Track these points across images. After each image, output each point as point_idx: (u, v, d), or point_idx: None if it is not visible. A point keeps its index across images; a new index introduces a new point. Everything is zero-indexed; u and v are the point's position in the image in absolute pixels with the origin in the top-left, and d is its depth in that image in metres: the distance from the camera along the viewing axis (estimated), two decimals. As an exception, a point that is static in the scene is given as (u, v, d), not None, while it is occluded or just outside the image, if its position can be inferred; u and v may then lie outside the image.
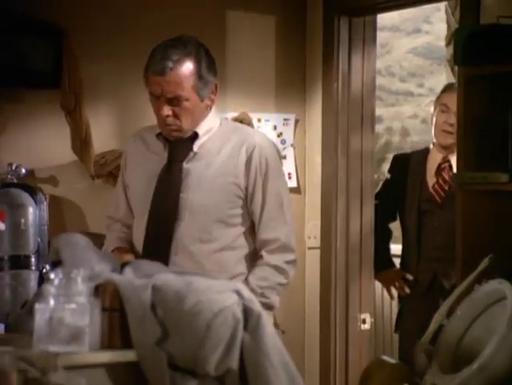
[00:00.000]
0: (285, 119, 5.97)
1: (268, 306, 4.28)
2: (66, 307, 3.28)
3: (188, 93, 4.22)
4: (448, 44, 7.64)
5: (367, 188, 6.01)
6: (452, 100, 5.52)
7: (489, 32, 4.42)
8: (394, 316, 7.27)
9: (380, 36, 10.43)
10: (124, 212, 4.45)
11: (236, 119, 5.82)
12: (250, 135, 4.43)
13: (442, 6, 7.62)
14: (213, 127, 4.36)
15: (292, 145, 5.97)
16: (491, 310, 4.14)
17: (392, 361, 4.24)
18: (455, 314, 4.19)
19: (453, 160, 5.59)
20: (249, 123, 5.84)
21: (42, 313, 3.30)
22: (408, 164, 6.23)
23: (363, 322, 5.87)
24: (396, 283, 6.13)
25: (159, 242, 4.18)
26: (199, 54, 4.30)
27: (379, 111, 11.02)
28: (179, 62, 4.22)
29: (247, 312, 3.36)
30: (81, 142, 5.46)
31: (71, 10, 5.32)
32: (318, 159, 5.96)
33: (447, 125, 5.80)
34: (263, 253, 4.35)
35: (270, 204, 4.35)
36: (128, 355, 3.32)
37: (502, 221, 4.47)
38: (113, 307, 3.36)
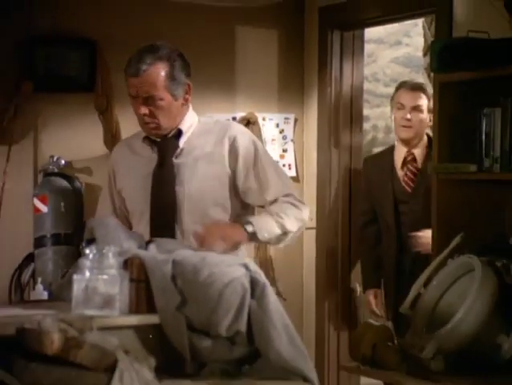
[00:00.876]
0: (286, 118, 5.96)
1: (283, 228, 4.11)
2: (99, 278, 3.29)
3: (161, 93, 4.10)
4: (425, 54, 7.61)
5: (356, 177, 5.99)
6: (405, 98, 5.57)
7: (460, 44, 4.40)
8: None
9: (367, 48, 10.36)
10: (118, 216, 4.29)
11: (244, 118, 5.81)
12: (230, 127, 4.34)
13: (420, 22, 7.59)
14: (192, 123, 4.25)
15: (292, 140, 5.96)
16: (462, 280, 4.15)
17: (378, 324, 4.24)
18: (431, 283, 4.20)
19: (416, 152, 5.60)
20: (256, 121, 5.83)
21: (79, 283, 3.31)
22: (376, 163, 5.93)
23: (354, 290, 5.86)
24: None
25: (163, 234, 4.03)
26: (171, 58, 4.15)
27: (366, 112, 10.95)
28: (152, 65, 4.09)
29: (254, 282, 3.37)
30: (112, 137, 5.46)
31: (102, 24, 5.33)
32: (314, 152, 5.96)
33: (404, 120, 5.56)
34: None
35: (267, 174, 4.21)
36: (153, 319, 3.34)
37: (472, 206, 4.47)
38: (139, 278, 3.37)
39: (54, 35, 5.36)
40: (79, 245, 3.67)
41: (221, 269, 3.35)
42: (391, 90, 11.33)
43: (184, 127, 4.23)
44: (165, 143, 4.22)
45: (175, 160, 4.15)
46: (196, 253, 3.49)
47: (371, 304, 5.76)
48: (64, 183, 5.28)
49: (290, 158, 5.94)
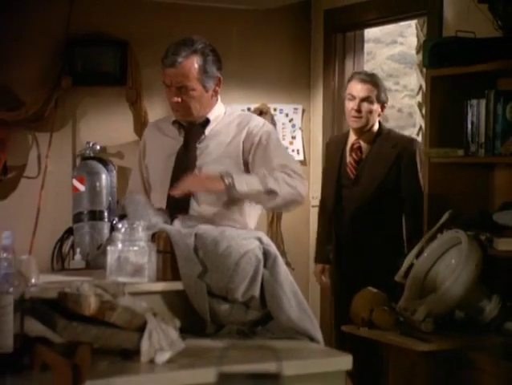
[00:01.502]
0: (295, 109, 5.97)
1: (265, 185, 3.82)
2: (130, 249, 3.32)
3: (194, 84, 3.96)
4: (417, 52, 7.57)
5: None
6: (354, 89, 5.14)
7: (449, 43, 4.39)
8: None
9: (366, 46, 10.35)
10: (141, 191, 4.14)
11: (258, 109, 5.82)
12: (251, 119, 4.20)
13: (413, 23, 7.55)
14: (219, 114, 4.11)
15: (300, 128, 5.97)
16: (450, 252, 4.17)
17: (375, 290, 4.25)
18: (422, 255, 4.21)
19: (363, 140, 5.22)
20: (268, 111, 5.84)
21: (112, 253, 3.34)
22: (334, 145, 5.48)
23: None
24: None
25: (178, 208, 3.87)
26: (205, 52, 4.01)
27: (366, 103, 11.05)
28: (187, 58, 3.95)
29: (266, 254, 3.39)
30: (141, 125, 5.46)
31: (133, 27, 5.34)
32: (319, 139, 5.96)
33: (354, 111, 5.10)
34: None
35: (272, 153, 4.02)
36: (177, 285, 3.36)
37: (459, 186, 4.47)
38: (166, 250, 3.40)
39: (90, 36, 5.37)
40: (113, 221, 3.68)
41: (237, 242, 3.37)
42: (387, 84, 11.41)
43: (211, 116, 4.11)
44: (192, 129, 4.11)
45: (198, 145, 4.05)
46: (216, 228, 3.50)
47: (319, 278, 5.52)
48: (99, 166, 5.30)
49: (298, 144, 5.95)
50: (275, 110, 5.87)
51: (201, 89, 4.01)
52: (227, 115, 4.18)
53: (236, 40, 5.68)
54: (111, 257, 3.34)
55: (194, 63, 3.99)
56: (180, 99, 3.98)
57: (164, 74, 4.06)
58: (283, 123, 5.91)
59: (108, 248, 3.37)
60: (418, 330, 3.96)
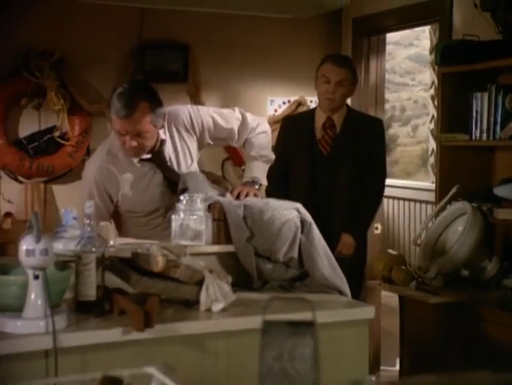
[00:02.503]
0: (327, 101, 5.92)
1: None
2: (190, 218, 3.32)
3: (147, 127, 3.59)
4: (430, 53, 7.51)
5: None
6: (330, 72, 4.58)
7: (457, 44, 4.37)
8: (396, 225, 7.25)
9: (387, 48, 10.31)
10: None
11: (296, 100, 5.79)
12: (177, 114, 3.89)
13: (427, 28, 7.49)
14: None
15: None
16: (457, 220, 4.15)
17: (394, 252, 4.24)
18: (433, 223, 4.18)
19: (335, 118, 4.65)
20: (305, 103, 5.81)
21: (176, 221, 3.35)
22: (296, 123, 4.90)
23: (376, 228, 5.81)
24: None
25: None
26: (150, 96, 3.66)
27: (387, 96, 10.99)
28: (137, 108, 3.54)
29: (303, 222, 3.39)
30: (200, 115, 5.47)
31: (193, 33, 5.31)
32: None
33: (328, 94, 4.56)
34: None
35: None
36: (229, 248, 3.37)
37: (465, 165, 4.44)
38: (219, 218, 3.40)
39: (158, 41, 5.37)
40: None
41: (279, 212, 3.37)
42: (405, 80, 11.39)
43: (163, 136, 3.78)
44: (158, 157, 3.78)
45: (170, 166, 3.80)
46: (261, 200, 3.51)
47: None
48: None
49: (330, 130, 5.92)
50: (311, 101, 5.83)
51: (153, 128, 3.66)
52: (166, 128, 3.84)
53: (278, 44, 5.65)
54: (174, 224, 3.35)
55: (145, 111, 3.58)
56: (136, 143, 3.61)
57: (117, 123, 3.60)
58: (318, 113, 5.88)
59: (172, 216, 3.38)
60: (430, 286, 3.95)
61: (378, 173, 4.75)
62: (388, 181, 7.31)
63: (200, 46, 5.45)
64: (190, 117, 3.89)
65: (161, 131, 3.77)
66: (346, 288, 3.34)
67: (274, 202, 3.45)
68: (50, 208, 5.19)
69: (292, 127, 4.88)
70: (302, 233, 3.35)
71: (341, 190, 4.63)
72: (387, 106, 11.02)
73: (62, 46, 5.14)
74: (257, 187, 3.87)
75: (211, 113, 3.96)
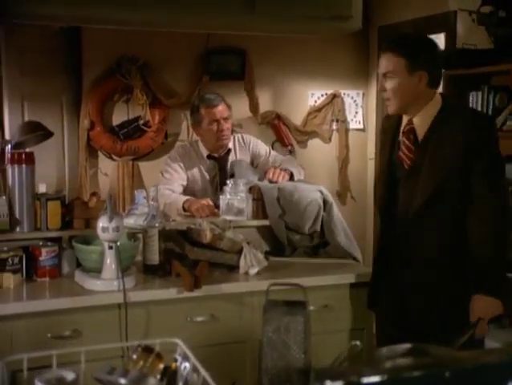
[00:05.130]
0: (357, 93, 5.81)
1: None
2: (234, 198, 3.31)
3: (228, 115, 4.00)
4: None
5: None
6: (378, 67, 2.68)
7: (458, 52, 4.28)
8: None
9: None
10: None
11: (332, 93, 5.69)
12: (246, 137, 4.18)
13: (442, 35, 7.27)
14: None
15: (361, 106, 5.82)
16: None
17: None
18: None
19: (416, 121, 2.61)
20: (339, 95, 5.71)
21: (223, 200, 3.35)
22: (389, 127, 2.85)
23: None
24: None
25: None
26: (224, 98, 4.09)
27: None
28: (222, 100, 4.02)
29: (325, 202, 3.37)
30: (253, 106, 5.43)
31: (249, 40, 5.24)
32: (374, 113, 5.81)
33: (381, 93, 2.74)
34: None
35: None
36: (265, 222, 3.36)
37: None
38: (258, 198, 3.39)
39: (221, 47, 5.32)
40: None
41: (306, 193, 3.34)
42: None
43: (230, 146, 4.03)
44: (223, 158, 3.97)
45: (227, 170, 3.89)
46: (291, 183, 3.48)
47: None
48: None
49: (359, 117, 5.80)
50: (344, 94, 5.74)
51: (230, 120, 4.04)
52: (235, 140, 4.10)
53: (316, 46, 5.51)
54: (222, 203, 3.36)
55: (225, 104, 4.01)
56: (227, 126, 3.95)
57: (210, 113, 3.94)
58: (349, 103, 5.77)
59: (220, 196, 3.38)
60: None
61: (484, 197, 2.53)
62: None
63: (254, 50, 5.38)
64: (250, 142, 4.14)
65: (230, 143, 4.01)
66: (358, 254, 3.32)
67: (301, 185, 3.43)
68: (136, 180, 5.25)
69: (385, 129, 2.91)
70: (324, 210, 3.33)
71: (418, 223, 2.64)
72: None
73: (146, 53, 5.14)
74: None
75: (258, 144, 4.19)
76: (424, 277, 2.60)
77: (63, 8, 2.69)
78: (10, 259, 2.79)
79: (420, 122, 2.62)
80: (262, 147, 4.14)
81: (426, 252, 2.60)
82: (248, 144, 4.07)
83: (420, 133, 2.63)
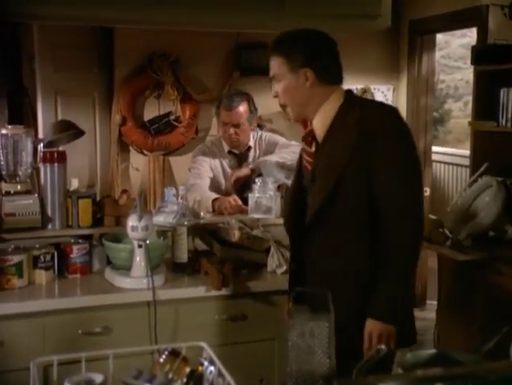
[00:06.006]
0: (387, 88, 5.78)
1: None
2: (263, 196, 3.31)
3: (243, 121, 3.86)
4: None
5: (429, 123, 5.76)
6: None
7: (489, 47, 4.20)
8: (445, 190, 7.07)
9: (444, 38, 9.98)
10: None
11: (362, 88, 5.65)
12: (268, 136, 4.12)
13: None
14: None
15: (391, 101, 5.77)
16: (485, 191, 4.00)
17: (434, 217, 4.13)
18: (465, 193, 4.05)
19: (314, 123, 2.30)
20: (369, 90, 5.68)
21: (252, 198, 3.35)
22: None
23: (425, 191, 5.68)
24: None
25: None
26: (249, 99, 3.95)
27: (443, 77, 10.70)
28: (240, 103, 3.87)
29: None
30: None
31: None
32: (404, 108, 5.76)
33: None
34: None
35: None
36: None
37: (493, 147, 4.26)
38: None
39: (250, 44, 5.31)
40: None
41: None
42: (458, 64, 11.06)
43: (251, 144, 3.99)
44: (243, 155, 3.97)
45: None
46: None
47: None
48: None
49: (389, 112, 5.79)
50: (374, 89, 5.71)
51: (248, 125, 3.91)
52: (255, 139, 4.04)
53: (347, 41, 5.44)
54: (251, 201, 3.36)
55: (244, 108, 3.88)
56: (234, 132, 3.87)
57: (224, 115, 3.88)
58: (380, 98, 5.73)
59: (249, 195, 3.38)
60: (461, 246, 3.84)
61: (390, 215, 2.19)
62: (439, 149, 7.18)
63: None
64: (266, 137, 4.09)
65: (251, 141, 3.97)
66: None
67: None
68: (167, 174, 5.28)
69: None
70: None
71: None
72: (442, 85, 10.74)
73: (177, 49, 5.17)
74: None
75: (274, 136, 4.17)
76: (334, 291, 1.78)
77: (93, 10, 2.71)
78: (42, 256, 2.82)
79: (320, 123, 2.29)
80: (279, 139, 4.11)
81: (330, 261, 2.28)
82: (264, 140, 4.05)
83: (320, 135, 2.30)
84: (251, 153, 3.98)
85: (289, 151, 3.80)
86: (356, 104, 2.28)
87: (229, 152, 3.99)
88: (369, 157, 2.17)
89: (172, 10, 2.80)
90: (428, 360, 1.62)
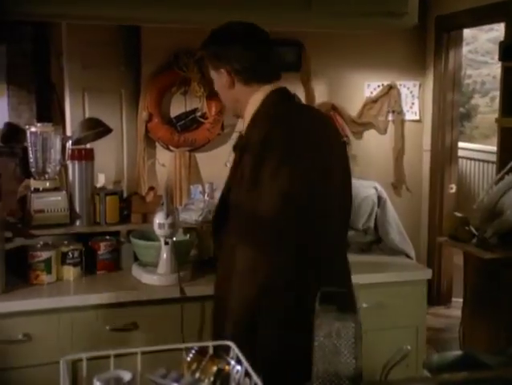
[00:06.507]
0: (414, 84, 5.75)
1: None
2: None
3: None
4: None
5: (456, 119, 5.71)
6: None
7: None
8: (471, 187, 7.01)
9: (471, 32, 9.89)
10: None
11: (388, 84, 5.63)
12: None
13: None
14: None
15: (417, 97, 5.75)
16: (512, 189, 3.96)
17: (460, 214, 4.11)
18: (491, 190, 4.02)
19: (243, 126, 2.28)
20: (395, 86, 5.65)
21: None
22: None
23: (451, 188, 5.65)
24: None
25: None
26: None
27: (470, 72, 10.60)
28: None
29: (379, 198, 3.33)
30: (309, 97, 5.41)
31: (305, 34, 5.20)
32: (430, 104, 5.73)
33: None
34: None
35: None
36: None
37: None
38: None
39: (278, 39, 5.29)
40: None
41: (360, 190, 3.31)
42: (485, 58, 10.95)
43: None
44: None
45: None
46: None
47: None
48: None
49: (415, 108, 5.73)
50: (400, 85, 5.68)
51: None
52: None
53: (373, 38, 5.46)
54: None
55: None
56: None
57: None
58: (406, 94, 5.71)
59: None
60: (487, 244, 3.82)
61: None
62: (466, 145, 7.12)
63: (310, 42, 5.35)
64: None
65: None
66: (411, 252, 3.28)
67: (356, 182, 3.39)
68: (193, 170, 5.30)
69: None
70: (378, 207, 3.30)
71: None
72: (469, 80, 10.63)
73: (202, 45, 5.18)
74: None
75: None
76: None
77: (122, 10, 2.74)
78: (70, 253, 2.85)
79: (244, 124, 2.20)
80: None
81: None
82: None
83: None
84: None
85: None
86: (271, 106, 2.12)
87: None
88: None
89: (199, 10, 2.81)
90: (455, 362, 1.61)
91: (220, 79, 2.17)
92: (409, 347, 1.72)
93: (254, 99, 2.12)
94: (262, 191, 1.94)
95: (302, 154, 2.02)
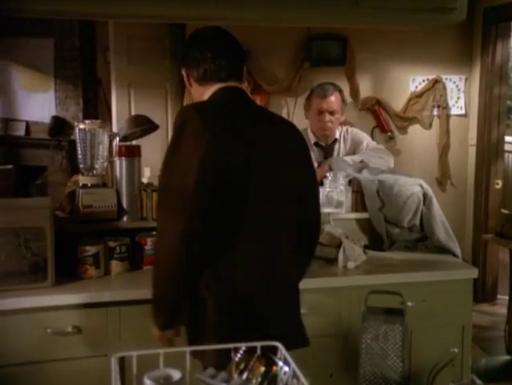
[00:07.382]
0: (460, 78, 5.66)
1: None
2: (334, 190, 3.30)
3: (337, 109, 4.03)
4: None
5: (503, 113, 5.61)
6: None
7: None
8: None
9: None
10: None
11: (434, 79, 5.55)
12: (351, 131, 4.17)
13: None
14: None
15: (463, 92, 5.66)
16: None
17: (506, 211, 4.05)
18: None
19: None
20: (441, 81, 5.57)
21: (322, 193, 3.34)
22: None
23: (497, 184, 5.56)
24: None
25: None
26: (341, 91, 4.12)
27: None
28: (334, 93, 4.04)
29: (425, 195, 3.31)
30: (354, 92, 5.38)
31: (352, 30, 5.16)
32: (476, 99, 5.64)
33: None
34: None
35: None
36: (364, 215, 3.34)
37: None
38: (357, 190, 3.37)
39: (322, 34, 5.29)
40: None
41: (406, 187, 3.29)
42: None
43: (337, 136, 4.09)
44: (329, 148, 4.06)
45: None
46: (391, 176, 3.43)
47: None
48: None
49: (461, 102, 5.65)
50: (446, 79, 5.60)
51: (339, 113, 4.06)
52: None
53: (418, 31, 5.40)
54: (322, 195, 3.35)
55: (337, 97, 4.05)
56: (329, 119, 4.00)
57: (318, 103, 4.01)
58: (451, 88, 5.63)
59: (320, 189, 3.38)
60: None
61: None
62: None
63: (355, 36, 5.32)
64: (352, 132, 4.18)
65: (337, 133, 4.06)
66: (457, 250, 3.25)
67: (402, 179, 3.38)
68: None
69: None
70: (423, 204, 3.28)
71: None
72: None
73: (247, 40, 5.05)
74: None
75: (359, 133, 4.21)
76: None
77: (170, 8, 2.75)
78: (117, 247, 2.89)
79: None
80: (364, 137, 4.15)
81: None
82: (350, 134, 4.07)
83: None
84: (337, 146, 4.04)
85: (376, 155, 3.84)
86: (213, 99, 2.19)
87: (316, 144, 4.03)
88: None
89: (245, 8, 2.81)
90: (503, 366, 1.60)
91: (185, 78, 2.29)
92: (456, 350, 1.71)
93: (206, 95, 2.20)
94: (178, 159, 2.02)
95: (225, 126, 2.08)
